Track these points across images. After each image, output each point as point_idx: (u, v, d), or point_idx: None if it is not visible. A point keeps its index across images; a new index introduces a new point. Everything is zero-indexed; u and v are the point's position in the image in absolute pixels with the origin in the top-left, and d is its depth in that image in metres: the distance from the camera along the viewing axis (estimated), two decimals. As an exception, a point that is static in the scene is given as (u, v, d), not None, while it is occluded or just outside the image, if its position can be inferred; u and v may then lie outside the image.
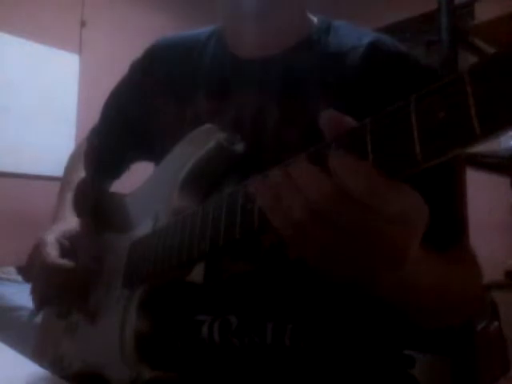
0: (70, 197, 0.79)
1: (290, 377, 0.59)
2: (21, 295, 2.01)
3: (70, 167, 0.90)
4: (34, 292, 0.70)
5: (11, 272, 2.46)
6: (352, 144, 0.34)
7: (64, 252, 0.67)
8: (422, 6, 3.00)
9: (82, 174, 0.84)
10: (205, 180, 0.59)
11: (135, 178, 0.86)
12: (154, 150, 0.75)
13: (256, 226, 0.41)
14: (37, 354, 0.75)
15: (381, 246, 0.35)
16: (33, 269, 0.69)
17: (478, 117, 0.27)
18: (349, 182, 0.33)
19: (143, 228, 0.62)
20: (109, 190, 0.86)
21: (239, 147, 0.57)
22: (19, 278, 2.39)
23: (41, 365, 0.61)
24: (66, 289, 0.66)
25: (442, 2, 1.33)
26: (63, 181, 0.88)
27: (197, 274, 0.54)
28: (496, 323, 1.71)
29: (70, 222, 0.73)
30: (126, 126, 0.81)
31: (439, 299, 0.51)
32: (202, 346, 0.61)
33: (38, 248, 0.67)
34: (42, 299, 0.69)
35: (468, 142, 0.28)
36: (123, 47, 2.91)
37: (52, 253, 0.65)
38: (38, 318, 0.81)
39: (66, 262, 0.65)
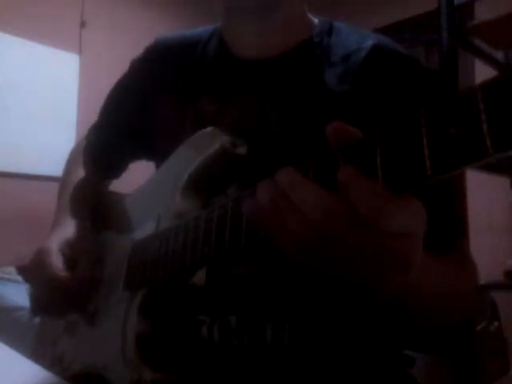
0: (70, 198, 0.79)
1: (290, 376, 0.59)
2: (21, 295, 2.01)
3: (69, 167, 0.90)
4: (33, 297, 0.69)
5: (11, 272, 2.46)
6: (361, 157, 0.33)
7: (65, 262, 0.66)
8: (421, 6, 3.00)
9: (80, 173, 0.84)
10: (207, 183, 0.59)
11: (135, 178, 0.86)
12: (153, 149, 0.75)
13: (261, 234, 0.40)
14: (36, 354, 0.75)
15: (383, 258, 0.35)
16: (33, 275, 0.68)
17: (490, 134, 0.26)
18: (358, 202, 0.32)
19: (145, 229, 0.62)
20: (108, 189, 0.86)
21: (242, 150, 0.56)
22: (19, 277, 2.39)
23: (41, 365, 0.61)
24: (63, 301, 0.66)
25: (442, 2, 1.33)
26: (62, 181, 0.88)
27: (199, 277, 0.54)
28: (496, 323, 1.71)
29: (71, 227, 0.72)
30: (125, 124, 0.81)
31: (437, 300, 0.51)
32: (202, 346, 0.61)
33: (41, 256, 0.67)
34: (39, 307, 0.69)
35: (479, 158, 0.27)
36: (123, 47, 2.91)
37: (56, 264, 0.65)
38: (38, 318, 0.80)
39: (68, 276, 0.64)
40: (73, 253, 0.67)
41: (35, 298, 0.69)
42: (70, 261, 0.66)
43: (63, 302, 0.65)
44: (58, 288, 0.64)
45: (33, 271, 0.68)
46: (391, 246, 0.34)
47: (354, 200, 0.32)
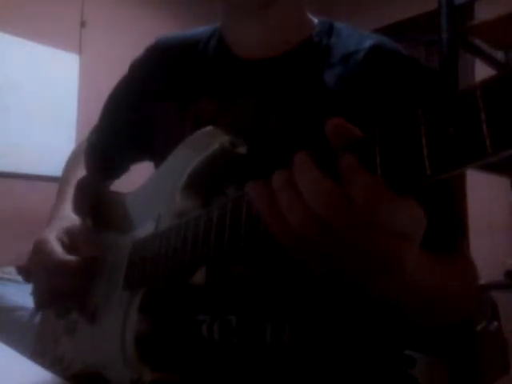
0: (69, 194, 0.79)
1: (290, 376, 0.59)
2: (21, 295, 2.01)
3: (69, 166, 0.90)
4: (35, 291, 0.69)
5: (11, 272, 2.46)
6: (360, 156, 0.33)
7: (65, 249, 0.66)
8: (421, 6, 3.00)
9: (81, 173, 0.84)
10: (207, 182, 0.59)
11: (135, 178, 0.86)
12: (154, 150, 0.75)
13: (261, 234, 0.40)
14: (37, 354, 0.75)
15: (379, 257, 0.35)
16: (34, 268, 0.69)
17: (489, 133, 0.26)
18: (358, 195, 0.32)
19: (145, 229, 0.62)
20: (109, 189, 0.86)
21: (242, 150, 0.56)
22: (19, 278, 2.38)
23: (41, 365, 0.61)
24: (69, 287, 0.66)
25: (442, 2, 1.33)
26: (62, 179, 0.88)
27: (199, 276, 0.54)
28: (496, 323, 1.71)
29: (71, 219, 0.73)
30: (126, 125, 0.81)
31: (437, 301, 0.51)
32: (202, 345, 0.61)
33: (39, 246, 0.67)
34: (44, 298, 0.69)
35: (479, 158, 0.27)
36: (123, 47, 2.91)
37: (57, 249, 0.65)
38: (38, 318, 0.80)
39: (72, 258, 0.64)
40: (71, 241, 0.67)
41: (38, 291, 0.69)
42: (69, 249, 0.66)
43: (66, 288, 0.65)
44: (61, 271, 0.64)
45: (33, 262, 0.68)
46: (389, 245, 0.34)
47: (352, 190, 0.32)
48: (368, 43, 0.65)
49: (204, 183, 0.59)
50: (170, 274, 0.54)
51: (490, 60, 1.59)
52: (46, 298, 0.69)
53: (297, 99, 0.64)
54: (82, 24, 3.18)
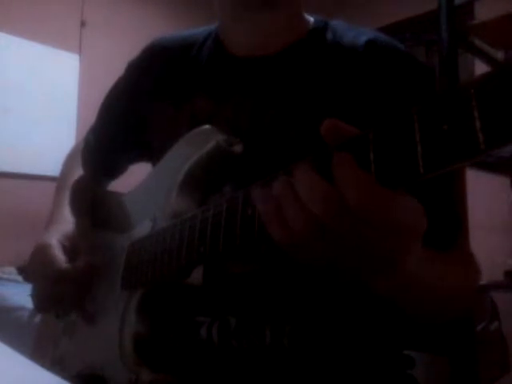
0: (67, 196, 0.79)
1: (289, 378, 0.59)
2: (21, 295, 2.01)
3: (66, 167, 0.90)
4: (35, 294, 0.69)
5: (11, 272, 2.46)
6: (354, 153, 0.34)
7: (66, 254, 0.66)
8: (422, 6, 3.00)
9: (79, 173, 0.84)
10: (202, 181, 0.59)
11: (135, 178, 0.86)
12: (151, 150, 0.75)
13: (256, 234, 0.41)
14: (37, 354, 0.75)
15: (379, 255, 0.35)
16: (35, 270, 0.68)
17: (482, 130, 0.26)
18: (350, 194, 0.32)
19: (142, 229, 0.62)
20: (106, 189, 0.86)
21: (238, 149, 0.56)
22: (19, 278, 2.39)
23: (41, 365, 0.61)
24: (69, 292, 0.66)
25: (442, 2, 1.33)
26: (60, 180, 0.88)
27: (196, 276, 0.54)
28: (496, 323, 1.71)
29: (70, 222, 0.73)
30: (123, 125, 0.80)
31: (436, 297, 0.51)
32: (201, 348, 0.61)
33: (41, 250, 0.67)
34: (43, 303, 0.69)
35: (472, 155, 0.27)
36: (123, 47, 2.91)
37: (59, 256, 0.65)
38: (38, 318, 0.80)
39: (71, 266, 0.64)
40: (73, 246, 0.67)
41: (38, 294, 0.69)
42: (71, 254, 0.66)
43: (66, 294, 0.65)
44: (62, 280, 0.64)
45: (34, 266, 0.68)
46: (388, 242, 0.34)
47: (344, 187, 0.33)
48: (363, 38, 0.65)
49: (200, 182, 0.59)
50: (167, 274, 0.54)
51: (489, 60, 1.59)
52: (45, 303, 0.69)
53: (293, 96, 0.64)
54: (82, 24, 3.18)
